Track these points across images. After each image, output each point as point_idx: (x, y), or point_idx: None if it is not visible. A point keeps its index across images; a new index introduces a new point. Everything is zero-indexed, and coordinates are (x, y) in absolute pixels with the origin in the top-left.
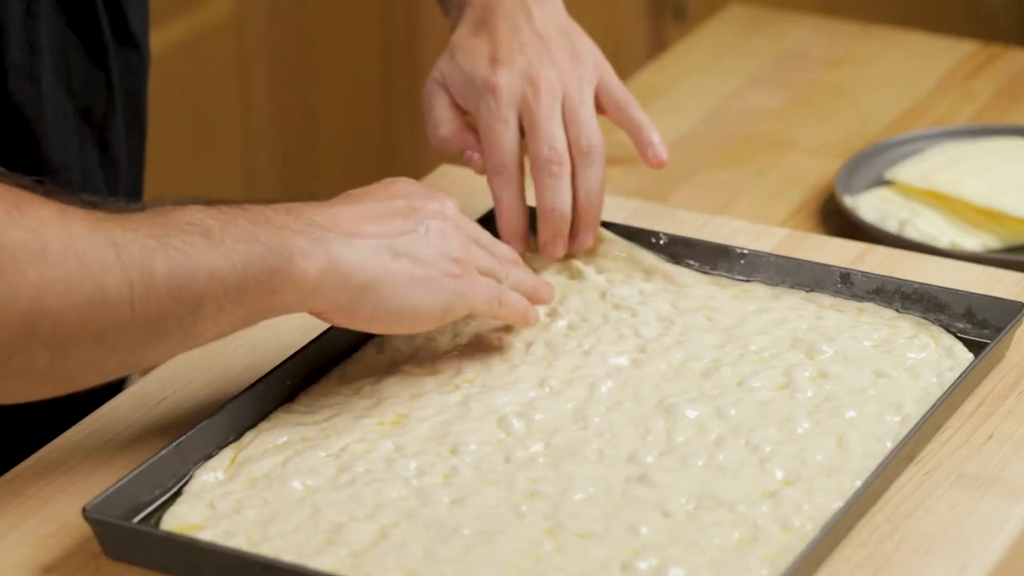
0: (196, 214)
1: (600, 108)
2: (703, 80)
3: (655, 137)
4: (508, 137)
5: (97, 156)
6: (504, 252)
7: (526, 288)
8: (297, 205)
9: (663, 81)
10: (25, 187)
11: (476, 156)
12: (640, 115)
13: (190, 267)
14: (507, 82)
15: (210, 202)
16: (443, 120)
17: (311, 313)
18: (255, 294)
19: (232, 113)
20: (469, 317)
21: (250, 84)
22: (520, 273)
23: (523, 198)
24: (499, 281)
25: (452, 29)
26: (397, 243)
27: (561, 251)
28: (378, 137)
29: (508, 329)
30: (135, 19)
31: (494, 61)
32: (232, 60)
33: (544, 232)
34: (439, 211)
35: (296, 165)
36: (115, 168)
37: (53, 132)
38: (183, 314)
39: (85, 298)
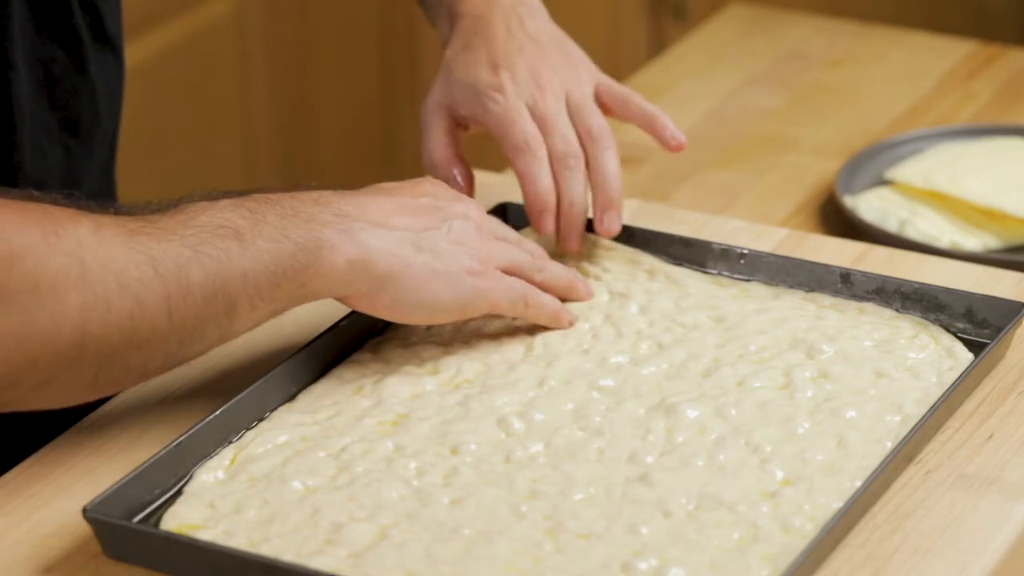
0: (227, 214)
1: (604, 108)
2: (703, 80)
3: (667, 120)
4: (524, 119)
5: (85, 165)
6: (534, 249)
7: (560, 284)
8: (327, 194)
9: (663, 81)
10: (57, 203)
11: (459, 177)
12: (647, 105)
13: (224, 273)
14: (511, 81)
15: (241, 195)
16: (437, 146)
17: (334, 298)
18: (286, 290)
19: (232, 113)
20: (471, 318)
21: (250, 84)
22: (556, 268)
23: (549, 173)
24: (530, 278)
25: (444, 44)
26: (420, 237)
27: (577, 244)
28: (377, 136)
29: (508, 329)
30: (111, 23)
31: (495, 66)
32: (232, 60)
33: (562, 225)
34: (463, 212)
35: (296, 164)
36: (93, 176)
37: (31, 145)
38: (219, 317)
39: (126, 314)
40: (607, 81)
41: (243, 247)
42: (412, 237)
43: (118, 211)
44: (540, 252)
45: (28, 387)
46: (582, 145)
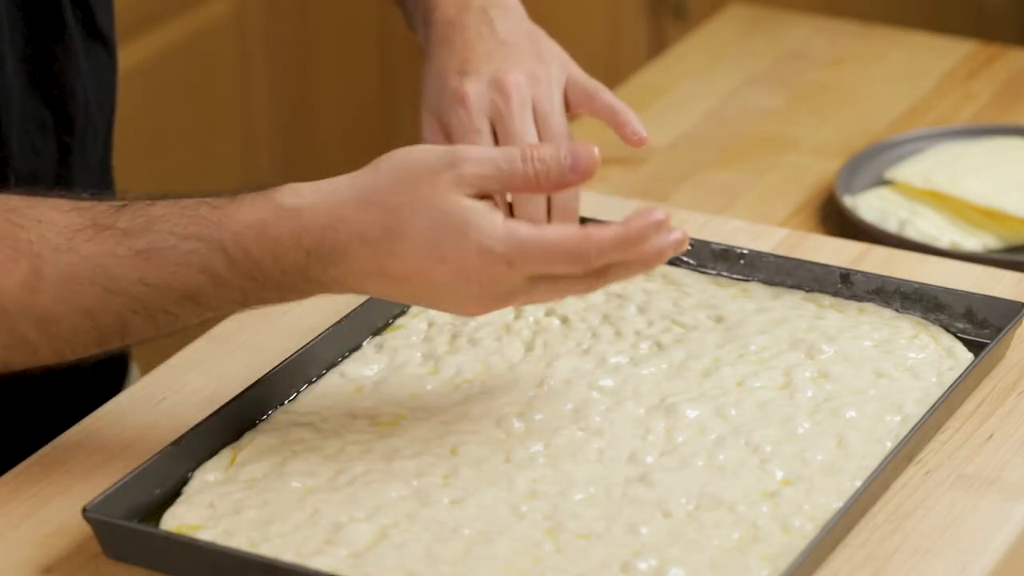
0: (200, 269)
1: (571, 105)
2: (703, 80)
3: (631, 116)
4: (483, 139)
5: (79, 163)
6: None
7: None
8: (333, 262)
9: (663, 81)
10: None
11: None
12: (612, 99)
13: (167, 327)
14: (475, 90)
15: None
16: (428, 139)
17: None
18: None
19: (232, 113)
20: (468, 319)
21: (250, 84)
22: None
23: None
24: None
25: (423, 52)
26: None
27: None
28: (378, 136)
29: (508, 329)
30: (103, 18)
31: (461, 72)
32: (232, 60)
33: None
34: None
35: (296, 164)
36: (89, 174)
37: (20, 142)
38: (186, 317)
39: (53, 354)
40: (578, 77)
41: (201, 310)
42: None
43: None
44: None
45: None
46: None
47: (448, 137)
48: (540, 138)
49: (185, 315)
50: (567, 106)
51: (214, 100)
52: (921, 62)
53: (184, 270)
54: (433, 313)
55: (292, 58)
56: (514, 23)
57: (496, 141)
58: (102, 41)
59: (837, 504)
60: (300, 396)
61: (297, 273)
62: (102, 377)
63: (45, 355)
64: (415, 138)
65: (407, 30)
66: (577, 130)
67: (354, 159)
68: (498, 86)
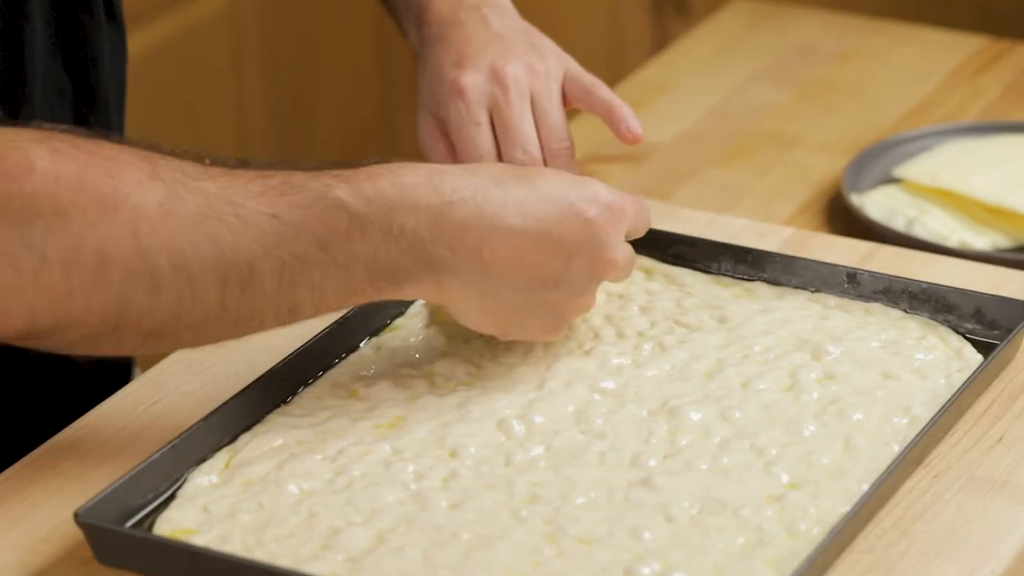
0: (322, 215)
1: (568, 100)
2: (707, 76)
3: (626, 112)
4: (483, 139)
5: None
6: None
7: None
8: (453, 213)
9: (666, 77)
10: (130, 148)
11: None
12: (608, 95)
13: (292, 280)
14: (473, 82)
15: (349, 167)
16: (433, 153)
17: None
18: (351, 303)
19: (227, 110)
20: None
21: (244, 80)
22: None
23: None
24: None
25: (414, 55)
26: (524, 286)
27: None
28: (375, 134)
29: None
30: (118, 1)
31: (458, 65)
32: (226, 55)
33: None
34: (582, 295)
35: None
36: None
37: (41, 104)
38: (279, 312)
39: (174, 297)
40: (575, 71)
41: (322, 259)
42: (511, 286)
43: (208, 167)
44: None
45: (72, 338)
46: (542, 155)
47: (445, 132)
48: (538, 131)
49: (310, 268)
50: (564, 101)
51: (208, 97)
52: (929, 58)
53: (317, 204)
54: (430, 314)
55: (288, 54)
56: (509, 20)
57: (495, 134)
58: (117, 24)
59: (844, 508)
60: (297, 398)
61: (414, 237)
62: (104, 379)
63: (166, 299)
64: (414, 136)
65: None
66: (575, 127)
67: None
68: (496, 78)
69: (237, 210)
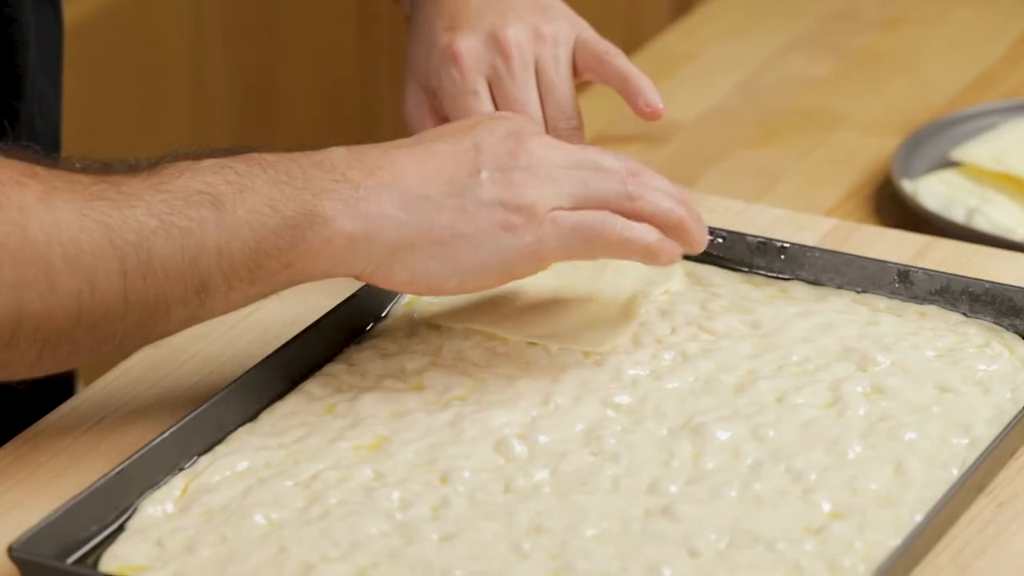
0: (209, 178)
1: (578, 70)
2: (736, 45)
3: (645, 84)
4: (481, 108)
5: (27, 134)
6: (632, 167)
7: (664, 218)
8: (334, 153)
9: (689, 46)
10: (7, 156)
11: None
12: (625, 64)
13: (194, 247)
14: (469, 47)
15: (230, 154)
16: (420, 129)
17: (344, 276)
18: (270, 270)
19: (183, 82)
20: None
21: (204, 44)
22: (658, 198)
23: None
24: (618, 210)
25: (405, 17)
26: (443, 193)
27: None
28: (353, 105)
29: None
30: None
31: (452, 28)
32: (185, 21)
33: None
34: (511, 150)
35: (255, 138)
36: (32, 135)
37: None
38: (187, 296)
39: (72, 293)
40: (588, 36)
41: (220, 218)
42: (435, 195)
43: (83, 168)
44: (639, 170)
45: None
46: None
47: (437, 107)
48: (543, 106)
49: (211, 230)
50: (573, 71)
51: (163, 66)
52: (991, 23)
53: (203, 170)
54: (416, 318)
55: (253, 14)
56: None
57: (495, 106)
58: (50, 2)
59: (894, 542)
60: (265, 414)
61: (306, 176)
62: (43, 393)
63: (63, 298)
64: (397, 111)
65: None
66: (584, 101)
67: (326, 135)
68: (496, 43)
69: (119, 187)
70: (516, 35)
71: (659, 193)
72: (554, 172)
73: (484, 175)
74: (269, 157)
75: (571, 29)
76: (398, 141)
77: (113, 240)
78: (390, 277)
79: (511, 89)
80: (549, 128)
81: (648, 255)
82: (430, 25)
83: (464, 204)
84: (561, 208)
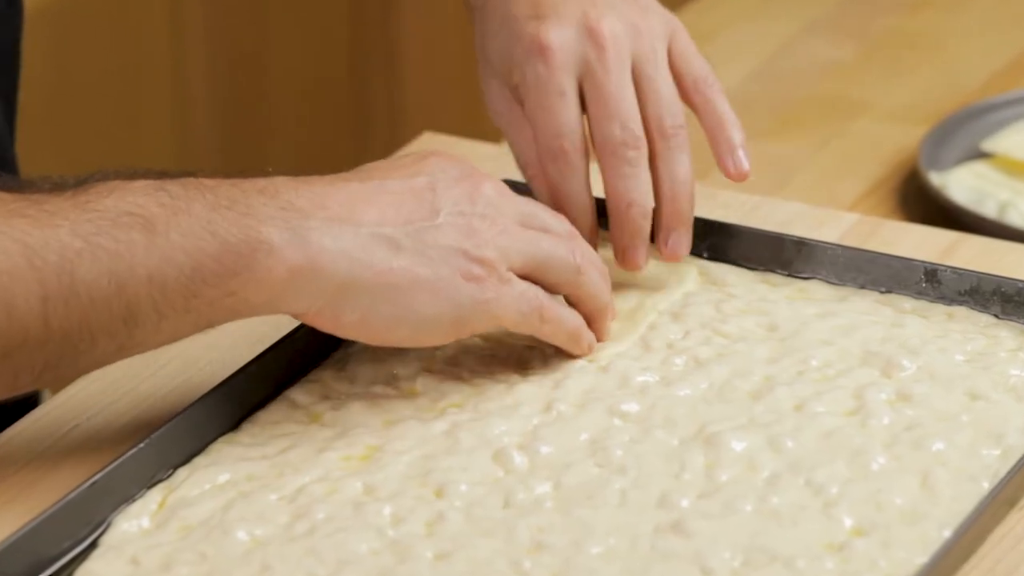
0: (140, 199)
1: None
2: (752, 26)
3: (737, 137)
4: (567, 112)
5: None
6: (581, 249)
7: (592, 303)
8: (278, 180)
9: (702, 27)
10: None
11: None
12: (723, 104)
13: (122, 272)
14: (560, 40)
15: (164, 177)
16: (513, 130)
17: (287, 314)
18: (208, 299)
19: (162, 73)
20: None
21: (184, 36)
22: (596, 279)
23: (590, 190)
24: (565, 283)
25: (466, 5)
26: (402, 232)
27: (643, 259)
28: (344, 101)
29: (506, 337)
30: None
31: (539, 16)
32: (163, 8)
33: (622, 235)
34: (469, 194)
35: (240, 138)
36: None
37: None
38: (113, 325)
39: None
40: (684, 46)
41: (151, 241)
42: (389, 233)
43: (1, 184)
44: (585, 252)
45: None
46: (648, 136)
47: (522, 102)
48: (642, 105)
49: (140, 254)
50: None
51: (140, 58)
52: (1023, 4)
53: (134, 192)
54: None
55: (237, 5)
56: None
57: (584, 107)
58: None
59: (921, 560)
60: (247, 423)
61: (248, 202)
62: (9, 406)
63: None
64: (389, 107)
65: None
66: None
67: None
68: (590, 34)
69: (42, 205)
70: (612, 27)
71: (596, 271)
72: (509, 227)
73: (442, 218)
74: (208, 181)
75: (665, 27)
76: (343, 174)
77: (32, 261)
78: (339, 318)
79: (606, 84)
80: (653, 128)
81: (573, 343)
82: (508, 12)
83: (423, 247)
84: (514, 269)
